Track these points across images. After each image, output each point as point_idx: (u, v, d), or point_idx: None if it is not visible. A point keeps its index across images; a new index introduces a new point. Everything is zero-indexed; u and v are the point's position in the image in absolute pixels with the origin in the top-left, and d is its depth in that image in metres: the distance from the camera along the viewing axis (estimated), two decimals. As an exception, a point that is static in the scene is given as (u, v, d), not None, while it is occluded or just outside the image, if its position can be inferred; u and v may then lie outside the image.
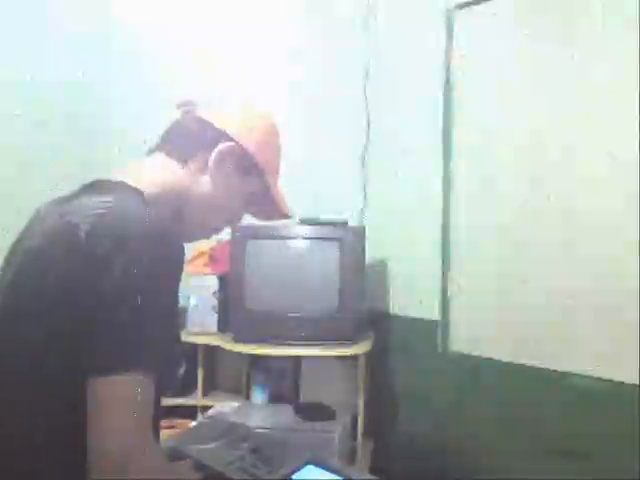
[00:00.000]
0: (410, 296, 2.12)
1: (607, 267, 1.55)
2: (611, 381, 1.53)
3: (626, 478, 1.47)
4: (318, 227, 2.05)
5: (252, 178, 1.06)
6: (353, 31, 2.38)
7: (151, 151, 1.03)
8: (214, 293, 2.16)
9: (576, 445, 1.58)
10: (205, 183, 1.01)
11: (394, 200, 2.21)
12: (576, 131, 1.63)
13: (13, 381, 0.83)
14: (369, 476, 1.68)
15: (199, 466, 1.31)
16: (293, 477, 1.23)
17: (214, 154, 1.00)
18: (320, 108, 2.40)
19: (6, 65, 2.14)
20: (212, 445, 1.44)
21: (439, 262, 1.97)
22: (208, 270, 2.20)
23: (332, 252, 1.97)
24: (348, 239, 1.98)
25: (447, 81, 1.97)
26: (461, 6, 1.93)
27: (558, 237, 1.66)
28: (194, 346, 2.18)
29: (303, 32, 2.42)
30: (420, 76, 2.09)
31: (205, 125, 1.02)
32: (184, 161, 1.00)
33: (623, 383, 1.50)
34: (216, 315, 2.16)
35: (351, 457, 1.95)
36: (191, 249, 2.24)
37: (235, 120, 1.04)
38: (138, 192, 0.91)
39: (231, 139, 1.01)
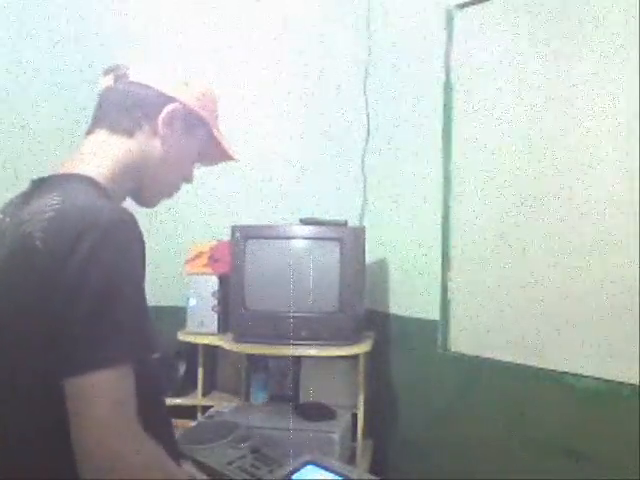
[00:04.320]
0: (410, 296, 2.12)
1: (607, 267, 1.55)
2: (611, 381, 1.53)
3: (626, 478, 1.47)
4: (318, 227, 2.05)
5: (198, 131, 1.06)
6: (353, 31, 2.38)
7: (91, 128, 1.01)
8: (214, 293, 2.16)
9: (576, 445, 1.58)
10: (157, 147, 1.01)
11: (394, 200, 2.21)
12: (577, 130, 1.63)
13: None
14: (369, 476, 1.68)
15: (199, 466, 1.31)
16: (293, 477, 1.23)
17: (162, 118, 0.99)
18: (320, 108, 2.41)
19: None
20: (212, 445, 1.44)
21: (439, 262, 1.97)
22: (208, 270, 2.20)
23: (332, 252, 1.97)
24: (348, 239, 1.98)
25: (447, 81, 1.97)
26: (461, 6, 1.93)
27: (558, 237, 1.66)
28: (194, 346, 2.18)
29: (303, 32, 2.42)
30: (420, 76, 2.09)
31: (143, 88, 1.00)
32: (130, 132, 0.99)
33: (623, 383, 1.50)
34: (216, 315, 2.16)
35: (351, 457, 1.95)
36: (190, 249, 2.25)
37: (170, 80, 1.02)
38: (88, 182, 0.91)
39: (173, 99, 1.00)
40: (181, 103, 1.01)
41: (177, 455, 0.99)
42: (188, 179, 1.11)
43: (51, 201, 0.84)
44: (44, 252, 0.79)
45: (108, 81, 1.02)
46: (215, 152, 1.12)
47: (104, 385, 0.75)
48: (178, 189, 1.11)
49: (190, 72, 1.06)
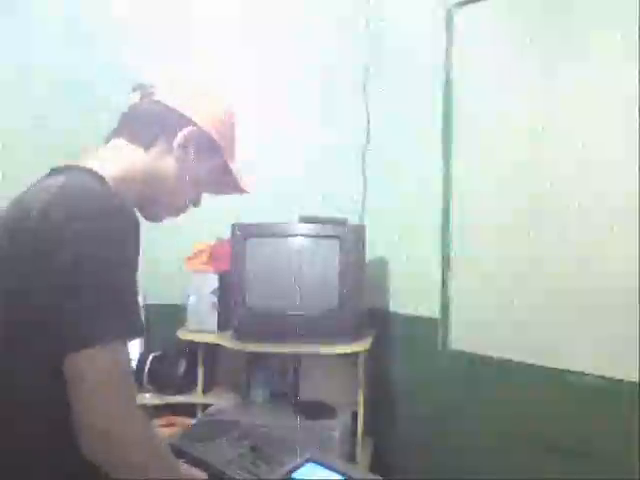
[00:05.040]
0: (410, 294, 2.12)
1: (607, 266, 1.55)
2: (611, 379, 1.53)
3: (626, 477, 1.48)
4: (318, 225, 2.05)
5: (213, 158, 1.09)
6: (353, 30, 2.38)
7: (111, 136, 1.05)
8: (214, 291, 2.16)
9: (576, 444, 1.59)
10: (169, 166, 1.04)
11: (394, 199, 2.21)
12: (577, 129, 1.63)
13: None
14: (369, 474, 1.68)
15: (199, 464, 1.31)
16: (293, 475, 1.23)
17: (179, 138, 1.03)
18: (320, 107, 2.40)
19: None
20: (212, 443, 1.44)
21: (439, 260, 1.98)
22: (208, 268, 2.20)
23: (332, 250, 1.97)
24: (348, 237, 1.98)
25: (447, 80, 1.97)
26: (461, 4, 1.93)
27: (558, 237, 1.66)
28: (194, 344, 2.19)
29: (303, 31, 2.42)
30: (420, 75, 2.09)
31: (166, 109, 1.04)
32: (146, 145, 1.02)
33: (623, 381, 1.51)
34: (216, 313, 2.16)
35: (351, 455, 1.95)
36: (191, 247, 2.25)
37: (195, 103, 1.06)
38: (95, 175, 0.92)
39: (192, 122, 1.04)
40: (199, 127, 1.04)
41: None
42: (196, 203, 1.15)
43: (55, 182, 0.87)
44: (41, 229, 0.81)
45: (134, 98, 1.06)
46: (226, 181, 1.15)
47: (105, 360, 0.78)
48: (184, 211, 1.14)
49: (213, 93, 1.11)
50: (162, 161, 1.03)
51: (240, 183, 1.15)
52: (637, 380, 1.47)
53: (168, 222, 2.29)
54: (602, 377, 1.55)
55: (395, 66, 2.22)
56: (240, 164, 1.18)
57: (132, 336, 0.83)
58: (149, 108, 1.04)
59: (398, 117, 2.20)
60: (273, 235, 2.05)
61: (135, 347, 2.25)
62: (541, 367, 1.69)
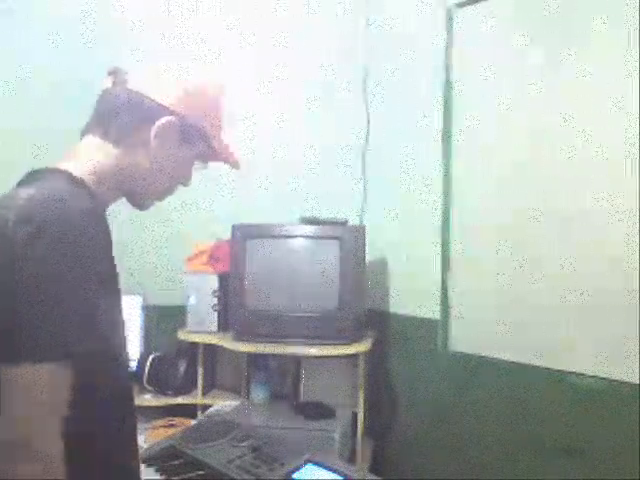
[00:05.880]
0: (410, 295, 2.12)
1: (607, 267, 1.55)
2: (612, 380, 1.53)
3: (626, 478, 1.48)
4: (318, 226, 2.05)
5: (195, 143, 1.04)
6: (353, 30, 2.38)
7: (85, 132, 1.00)
8: (214, 292, 2.16)
9: (576, 444, 1.59)
10: (147, 158, 0.99)
11: (394, 200, 2.21)
12: (577, 131, 1.63)
13: None
14: (369, 475, 1.68)
15: (199, 465, 1.31)
16: (293, 476, 1.23)
17: (153, 131, 0.97)
18: (320, 107, 2.41)
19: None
20: (212, 444, 1.45)
21: (439, 261, 1.98)
22: (208, 269, 2.20)
23: (332, 251, 1.97)
24: (348, 238, 1.98)
25: (447, 80, 1.97)
26: (461, 5, 1.93)
27: (558, 237, 1.66)
28: (194, 345, 2.19)
29: (303, 31, 2.42)
30: (419, 75, 2.09)
31: (138, 98, 0.98)
32: (116, 140, 0.97)
33: (623, 382, 1.50)
34: (216, 314, 2.16)
35: (351, 456, 1.95)
36: (191, 248, 2.26)
37: (169, 89, 0.99)
38: (69, 178, 0.90)
39: (168, 111, 0.98)
40: (177, 115, 0.99)
41: (130, 455, 1.00)
42: (185, 184, 1.10)
43: (27, 191, 0.84)
44: (12, 234, 0.79)
45: (107, 83, 1.01)
46: (217, 158, 1.11)
47: (36, 378, 0.76)
48: (172, 193, 1.10)
49: (195, 76, 1.04)
50: (139, 154, 0.99)
51: (232, 162, 1.10)
52: (637, 381, 1.47)
53: (169, 222, 2.28)
54: (602, 378, 1.55)
55: (395, 66, 2.22)
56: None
57: (69, 356, 0.79)
58: (121, 96, 0.98)
59: (398, 117, 2.20)
60: (273, 236, 2.05)
61: (135, 348, 2.25)
62: (541, 368, 1.69)
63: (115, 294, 0.92)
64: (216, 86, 1.07)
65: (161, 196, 1.08)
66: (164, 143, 0.99)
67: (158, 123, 0.97)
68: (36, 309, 0.77)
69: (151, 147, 0.99)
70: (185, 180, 1.09)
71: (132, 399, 1.03)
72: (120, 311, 0.96)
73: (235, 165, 1.12)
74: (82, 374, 0.80)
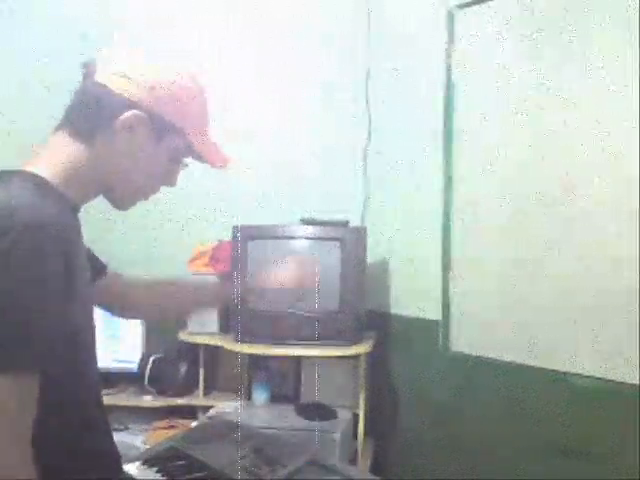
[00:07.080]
0: (411, 296, 2.12)
1: (608, 267, 1.55)
2: (611, 381, 1.53)
3: (626, 478, 1.47)
4: (319, 227, 2.05)
5: (169, 137, 0.99)
6: (354, 30, 2.38)
7: (57, 128, 0.98)
8: (215, 293, 2.16)
9: (576, 445, 1.59)
10: (118, 155, 0.96)
11: (395, 200, 2.21)
12: (578, 131, 1.63)
13: None
14: (370, 476, 1.68)
15: (200, 466, 1.31)
16: (294, 477, 1.23)
17: (118, 124, 0.94)
18: (321, 108, 2.40)
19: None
20: (213, 445, 1.44)
21: (439, 262, 1.97)
22: (209, 270, 2.20)
23: (333, 252, 1.97)
24: (349, 239, 1.98)
25: (447, 81, 1.97)
26: (462, 6, 1.93)
27: (559, 238, 1.66)
28: (195, 346, 2.18)
29: (303, 31, 2.42)
30: (420, 76, 2.09)
31: (105, 91, 0.94)
32: (86, 138, 0.95)
33: (623, 383, 1.50)
34: (217, 315, 2.16)
35: (352, 457, 1.95)
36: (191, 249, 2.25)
37: (134, 82, 0.95)
38: (33, 180, 0.88)
39: (136, 105, 0.94)
40: (143, 110, 0.94)
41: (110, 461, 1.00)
42: (170, 183, 1.06)
43: None
44: None
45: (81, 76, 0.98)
46: (197, 156, 1.06)
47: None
48: (154, 192, 1.06)
49: (170, 71, 1.00)
50: (108, 151, 0.95)
51: (215, 161, 1.05)
52: (637, 382, 1.47)
53: (169, 223, 2.27)
54: (603, 379, 1.55)
55: (396, 66, 2.22)
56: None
57: (36, 367, 0.78)
58: (89, 91, 0.96)
59: (399, 117, 2.20)
60: (274, 237, 2.05)
61: (136, 349, 2.25)
62: (542, 369, 1.69)
63: (76, 306, 0.86)
64: (193, 81, 1.02)
65: (142, 195, 1.05)
66: (132, 138, 0.96)
67: (122, 117, 0.94)
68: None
69: (118, 142, 0.95)
70: (168, 179, 1.05)
71: (101, 404, 1.02)
72: (88, 320, 0.96)
73: (216, 165, 1.07)
74: (48, 382, 0.79)
